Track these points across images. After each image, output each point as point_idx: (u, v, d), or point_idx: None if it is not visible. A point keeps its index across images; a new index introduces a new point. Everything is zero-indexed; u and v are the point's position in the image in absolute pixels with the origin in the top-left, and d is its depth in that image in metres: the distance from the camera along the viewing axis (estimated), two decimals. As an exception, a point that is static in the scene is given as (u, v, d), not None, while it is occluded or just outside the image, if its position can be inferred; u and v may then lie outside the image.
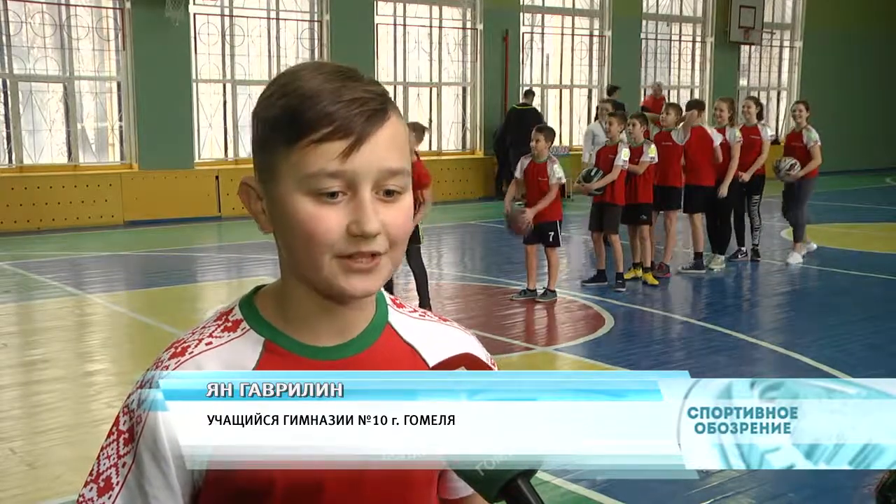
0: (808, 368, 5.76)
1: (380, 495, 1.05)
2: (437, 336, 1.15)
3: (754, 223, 9.44)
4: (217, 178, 13.02)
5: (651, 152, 8.25)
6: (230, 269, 9.60)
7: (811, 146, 9.14)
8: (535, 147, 7.42)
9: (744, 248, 9.54)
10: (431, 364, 1.07)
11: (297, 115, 0.98)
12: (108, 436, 1.05)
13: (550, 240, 7.44)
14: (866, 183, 18.06)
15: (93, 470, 1.05)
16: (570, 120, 17.14)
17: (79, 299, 7.79)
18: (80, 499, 1.05)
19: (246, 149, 13.80)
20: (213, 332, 1.07)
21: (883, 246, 9.90)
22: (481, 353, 1.16)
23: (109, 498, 1.03)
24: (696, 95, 18.28)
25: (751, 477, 4.08)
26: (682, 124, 8.84)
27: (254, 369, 1.03)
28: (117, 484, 1.03)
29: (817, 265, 9.41)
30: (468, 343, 1.16)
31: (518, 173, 7.57)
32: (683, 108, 9.15)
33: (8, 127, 11.89)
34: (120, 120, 12.71)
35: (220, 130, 13.58)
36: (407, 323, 1.14)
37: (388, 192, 1.00)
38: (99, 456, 1.05)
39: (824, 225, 11.72)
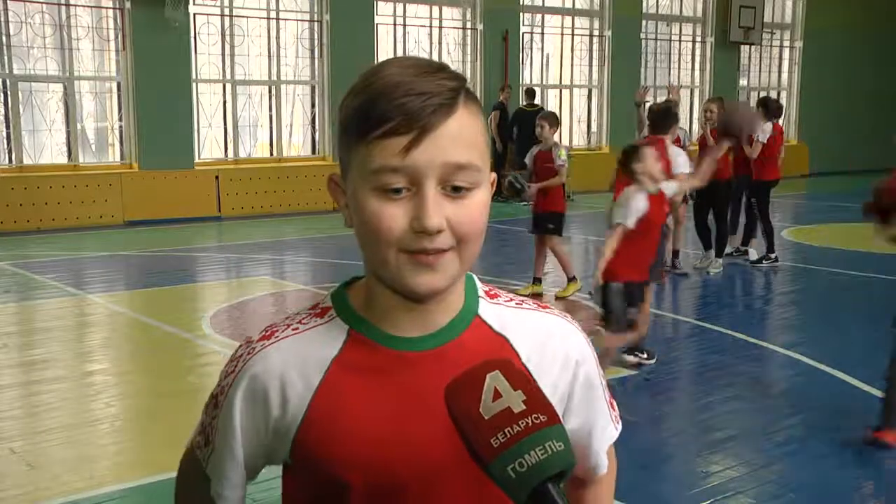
0: (808, 368, 5.76)
1: (457, 493, 1.05)
2: (531, 324, 1.12)
3: (767, 228, 9.25)
4: (217, 178, 13.02)
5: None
6: (230, 269, 9.59)
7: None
8: (540, 134, 7.64)
9: (742, 248, 9.51)
10: (522, 353, 1.08)
11: (367, 110, 0.98)
12: (212, 393, 1.14)
13: None
14: (866, 183, 18.02)
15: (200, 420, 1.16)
16: (570, 120, 17.13)
17: (79, 299, 7.79)
18: (191, 442, 1.18)
19: (245, 149, 13.81)
20: (303, 318, 1.10)
21: (883, 246, 9.86)
22: (578, 338, 1.15)
23: (207, 447, 1.14)
24: (696, 95, 18.29)
25: (751, 477, 4.08)
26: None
27: (336, 356, 1.06)
28: (211, 441, 1.13)
29: (818, 265, 9.40)
30: (564, 330, 1.14)
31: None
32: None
33: (8, 127, 11.89)
34: (120, 120, 12.71)
35: (220, 130, 13.57)
36: (500, 313, 1.11)
37: (456, 188, 0.99)
38: (204, 407, 1.15)
39: (825, 225, 11.71)
